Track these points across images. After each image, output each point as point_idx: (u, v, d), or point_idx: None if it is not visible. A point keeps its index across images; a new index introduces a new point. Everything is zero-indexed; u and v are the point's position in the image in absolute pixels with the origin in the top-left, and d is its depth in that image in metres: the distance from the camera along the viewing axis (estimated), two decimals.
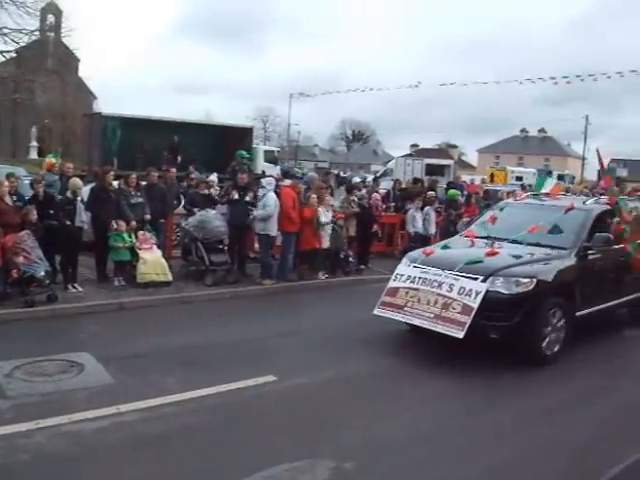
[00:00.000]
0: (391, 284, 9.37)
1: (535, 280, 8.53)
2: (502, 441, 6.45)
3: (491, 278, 8.50)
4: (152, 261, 12.30)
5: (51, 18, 47.32)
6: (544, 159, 79.99)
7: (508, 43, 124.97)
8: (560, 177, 42.06)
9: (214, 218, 13.33)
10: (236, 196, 13.55)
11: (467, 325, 8.14)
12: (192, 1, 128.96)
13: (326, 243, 14.12)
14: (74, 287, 11.50)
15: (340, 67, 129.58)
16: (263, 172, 30.46)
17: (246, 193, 13.63)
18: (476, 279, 8.51)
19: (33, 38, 37.53)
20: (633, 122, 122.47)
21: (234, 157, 19.80)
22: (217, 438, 6.12)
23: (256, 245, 14.23)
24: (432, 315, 8.52)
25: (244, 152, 20.38)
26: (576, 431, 6.75)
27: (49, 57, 47.89)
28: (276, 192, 13.60)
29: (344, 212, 15.13)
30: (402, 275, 9.32)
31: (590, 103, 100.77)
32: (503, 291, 8.45)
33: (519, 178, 43.20)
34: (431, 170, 39.19)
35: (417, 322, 8.71)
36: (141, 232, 12.48)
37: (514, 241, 9.65)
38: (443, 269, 8.88)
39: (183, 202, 14.64)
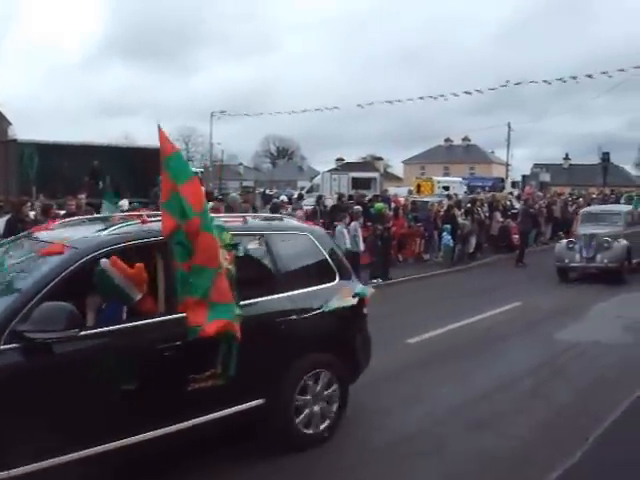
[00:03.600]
0: None
1: None
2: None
3: None
4: None
5: None
6: (469, 167, 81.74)
7: (439, 53, 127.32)
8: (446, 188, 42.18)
9: None
10: None
11: None
12: (117, 21, 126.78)
13: None
14: None
15: (268, 83, 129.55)
16: None
17: None
18: None
19: None
20: (557, 128, 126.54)
21: (156, 181, 19.47)
22: None
23: None
24: None
25: None
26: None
27: None
28: None
29: None
30: None
31: (515, 110, 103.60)
32: None
33: (446, 188, 43.82)
34: (357, 184, 39.43)
35: None
36: None
37: None
38: None
39: None
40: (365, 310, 7.36)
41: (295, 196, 29.74)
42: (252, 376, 5.92)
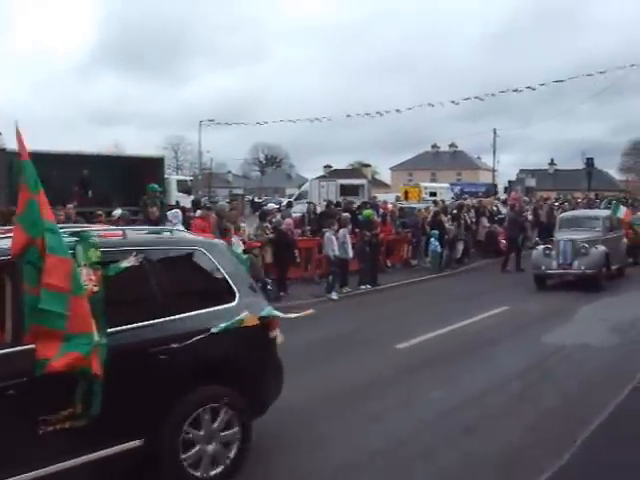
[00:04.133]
0: None
1: None
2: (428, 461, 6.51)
3: None
4: None
5: None
6: (456, 173, 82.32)
7: (427, 61, 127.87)
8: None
9: None
10: None
11: None
12: (109, 31, 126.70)
13: None
14: None
15: (257, 92, 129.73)
16: (177, 202, 30.16)
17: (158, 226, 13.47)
18: None
19: None
20: (542, 134, 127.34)
21: (146, 190, 19.56)
22: None
23: None
24: None
25: (155, 186, 20.17)
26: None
27: None
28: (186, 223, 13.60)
29: (259, 240, 15.10)
30: None
31: (501, 117, 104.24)
32: None
33: (433, 194, 44.07)
34: (345, 190, 39.55)
35: None
36: None
37: None
38: None
39: None
40: (274, 334, 6.49)
41: (284, 203, 29.87)
42: (125, 414, 5.19)
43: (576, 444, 6.64)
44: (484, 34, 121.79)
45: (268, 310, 6.37)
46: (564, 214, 21.96)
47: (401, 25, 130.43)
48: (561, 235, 18.13)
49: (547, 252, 17.66)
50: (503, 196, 41.76)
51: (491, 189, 51.62)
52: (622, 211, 20.66)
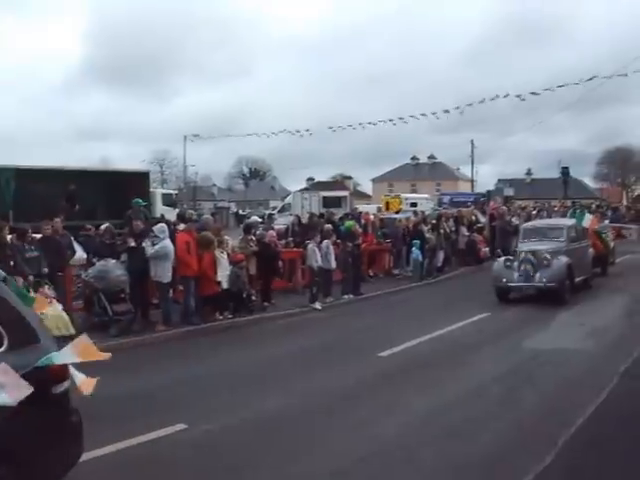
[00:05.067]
0: None
1: None
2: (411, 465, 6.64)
3: None
4: (53, 316, 12.00)
5: None
6: (436, 184, 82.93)
7: (405, 76, 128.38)
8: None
9: (114, 267, 13.24)
10: (132, 244, 13.58)
11: None
12: (96, 48, 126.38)
13: (225, 284, 14.22)
14: None
15: (241, 107, 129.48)
16: (162, 216, 30.24)
17: (143, 240, 13.63)
18: None
19: None
20: (519, 145, 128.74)
21: (132, 204, 19.71)
22: None
23: None
24: None
25: (140, 200, 20.33)
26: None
27: None
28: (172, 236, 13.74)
29: (243, 252, 15.26)
30: None
31: (479, 129, 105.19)
32: None
33: (413, 204, 44.37)
34: (328, 202, 39.84)
35: None
36: (40, 288, 12.26)
37: None
38: None
39: (80, 252, 14.48)
40: (62, 387, 5.11)
41: (266, 216, 30.07)
42: None
43: (558, 446, 6.78)
44: (464, 49, 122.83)
45: (47, 358, 4.77)
46: (527, 224, 21.23)
47: (383, 41, 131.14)
48: (523, 246, 17.40)
49: (508, 264, 16.85)
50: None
51: (480, 199, 52.02)
52: (587, 220, 20.00)
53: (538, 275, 16.32)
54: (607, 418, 7.87)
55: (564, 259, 16.56)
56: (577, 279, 17.24)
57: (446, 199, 51.97)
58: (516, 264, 16.71)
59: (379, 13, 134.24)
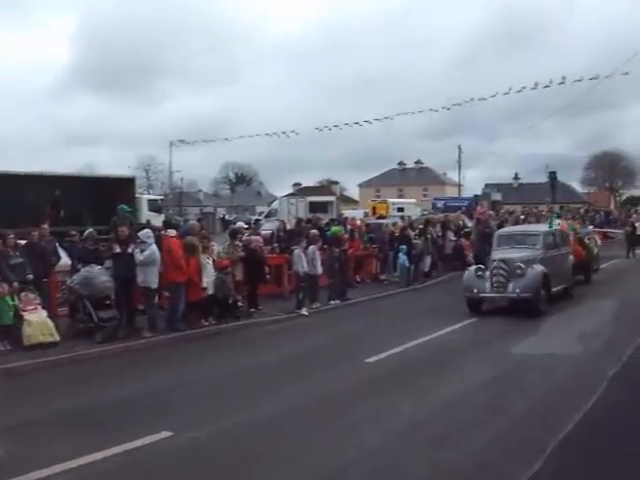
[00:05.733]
0: None
1: None
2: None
3: None
4: (38, 322, 11.99)
5: None
6: (423, 189, 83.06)
7: (392, 82, 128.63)
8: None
9: (99, 273, 13.14)
10: (118, 249, 13.48)
11: None
12: (83, 53, 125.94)
13: (210, 290, 14.13)
14: None
15: (228, 113, 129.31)
16: (148, 221, 30.11)
17: (128, 246, 13.53)
18: None
19: None
20: (506, 149, 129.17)
21: (117, 210, 19.58)
22: None
23: None
24: None
25: (125, 206, 20.21)
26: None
27: None
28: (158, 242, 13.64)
29: (229, 257, 15.20)
30: None
31: (466, 134, 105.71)
32: None
33: (400, 209, 44.42)
34: (314, 208, 39.80)
35: None
36: (23, 293, 12.18)
37: None
38: None
39: (65, 258, 14.37)
40: None
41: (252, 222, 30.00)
42: None
43: (546, 452, 6.76)
44: (452, 54, 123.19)
45: None
46: (501, 230, 20.13)
47: (371, 47, 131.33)
48: (496, 254, 16.37)
49: (479, 273, 15.91)
50: None
51: (473, 203, 52.12)
52: (555, 225, 18.90)
53: (511, 285, 15.36)
54: (596, 424, 7.86)
55: (539, 268, 15.65)
56: (555, 288, 16.42)
57: (440, 204, 51.96)
58: (488, 273, 15.80)
59: (368, 20, 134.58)
